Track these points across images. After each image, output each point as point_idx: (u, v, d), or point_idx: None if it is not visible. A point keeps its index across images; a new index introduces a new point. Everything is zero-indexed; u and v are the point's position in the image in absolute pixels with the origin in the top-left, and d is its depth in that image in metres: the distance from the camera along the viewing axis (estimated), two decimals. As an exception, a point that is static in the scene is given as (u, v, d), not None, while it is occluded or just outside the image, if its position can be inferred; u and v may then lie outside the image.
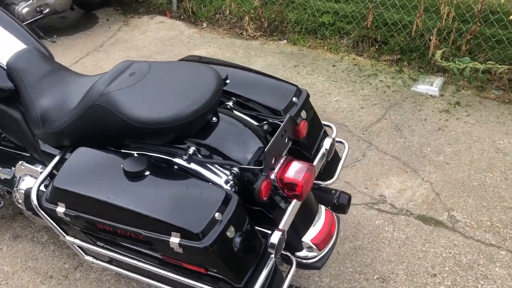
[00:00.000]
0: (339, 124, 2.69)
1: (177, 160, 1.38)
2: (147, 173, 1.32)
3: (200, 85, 1.41)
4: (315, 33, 3.73)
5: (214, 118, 1.45)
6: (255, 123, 1.55)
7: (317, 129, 1.67)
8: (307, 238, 1.50)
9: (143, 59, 2.20)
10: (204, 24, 4.20)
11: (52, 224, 1.52)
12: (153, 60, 3.08)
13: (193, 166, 1.37)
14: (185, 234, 1.20)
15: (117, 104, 1.36)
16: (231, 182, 1.35)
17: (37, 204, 1.49)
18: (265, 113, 1.57)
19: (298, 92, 1.62)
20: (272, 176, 1.36)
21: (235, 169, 1.36)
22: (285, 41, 3.78)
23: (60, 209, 1.38)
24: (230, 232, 1.23)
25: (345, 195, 1.68)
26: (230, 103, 1.59)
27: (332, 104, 2.91)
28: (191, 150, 1.37)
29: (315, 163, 1.55)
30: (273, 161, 1.35)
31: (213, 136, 1.42)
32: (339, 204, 1.66)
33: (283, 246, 1.31)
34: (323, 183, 1.69)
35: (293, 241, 1.48)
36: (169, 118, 1.32)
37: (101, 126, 1.42)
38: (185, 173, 1.36)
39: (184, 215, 1.23)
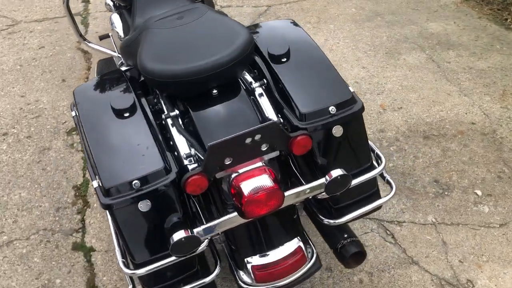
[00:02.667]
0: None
1: (162, 115, 1.41)
2: (127, 114, 1.36)
3: (218, 49, 1.36)
4: None
5: (215, 91, 1.39)
6: (273, 116, 1.39)
7: (356, 158, 1.41)
8: (251, 261, 1.35)
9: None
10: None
11: None
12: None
13: (171, 128, 1.38)
14: (98, 183, 1.24)
15: (143, 43, 1.46)
16: (190, 163, 1.31)
17: None
18: (288, 111, 1.40)
19: (348, 101, 1.36)
20: (234, 176, 1.24)
21: (193, 152, 1.32)
22: None
23: None
24: (144, 206, 1.21)
25: (354, 246, 1.42)
26: (257, 85, 1.45)
27: None
28: (173, 113, 1.39)
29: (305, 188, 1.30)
30: (228, 161, 1.21)
31: (201, 109, 1.38)
32: (340, 253, 1.43)
33: (186, 251, 1.22)
34: (326, 221, 1.42)
35: (235, 255, 1.39)
36: (163, 73, 1.34)
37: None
38: (157, 130, 1.36)
39: (112, 166, 1.25)
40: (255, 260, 1.35)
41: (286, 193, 1.27)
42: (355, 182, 1.38)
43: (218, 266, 1.36)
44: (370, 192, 1.47)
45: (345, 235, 1.46)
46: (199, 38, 1.44)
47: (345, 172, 1.29)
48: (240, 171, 1.26)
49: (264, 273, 1.33)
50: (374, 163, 1.48)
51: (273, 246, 1.36)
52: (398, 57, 3.04)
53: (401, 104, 2.62)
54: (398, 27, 3.37)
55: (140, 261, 1.27)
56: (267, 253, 1.36)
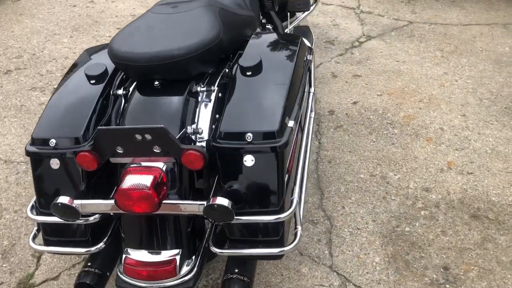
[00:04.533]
0: None
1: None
2: (93, 81, 1.48)
3: (172, 42, 1.38)
4: None
5: (157, 82, 1.41)
6: (205, 125, 1.37)
7: (260, 196, 1.30)
8: (129, 252, 1.35)
9: None
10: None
11: None
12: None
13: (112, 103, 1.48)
14: None
15: (132, 22, 1.57)
16: None
17: None
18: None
19: (270, 134, 1.26)
20: (128, 166, 1.27)
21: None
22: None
23: None
24: (54, 164, 1.33)
25: (238, 285, 1.34)
26: (203, 89, 1.42)
27: None
28: (119, 91, 1.46)
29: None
30: (120, 151, 1.23)
31: (136, 95, 1.41)
32: (223, 285, 1.36)
33: (66, 216, 1.29)
34: (211, 246, 1.35)
35: (122, 241, 1.39)
36: (115, 53, 1.40)
37: None
38: (99, 102, 1.45)
39: (51, 119, 1.40)
40: (131, 253, 1.36)
41: (164, 202, 1.25)
42: (246, 219, 1.28)
43: (102, 243, 1.41)
44: (272, 237, 1.32)
45: (237, 270, 1.36)
46: (168, 29, 1.46)
47: (227, 206, 1.21)
48: (136, 164, 1.28)
49: (130, 268, 1.33)
50: (292, 210, 1.32)
51: (152, 247, 1.35)
52: (513, 116, 2.50)
53: (474, 169, 2.18)
54: (541, 83, 2.75)
55: (42, 211, 1.41)
56: (145, 251, 1.35)
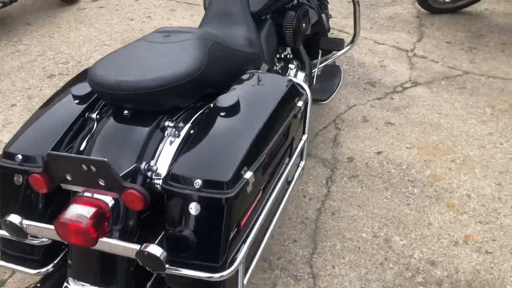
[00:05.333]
0: None
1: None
2: (77, 101, 1.47)
3: (145, 73, 1.31)
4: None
5: (126, 111, 1.35)
6: (165, 161, 1.29)
7: (199, 248, 1.19)
8: (70, 282, 1.30)
9: None
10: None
11: None
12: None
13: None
14: None
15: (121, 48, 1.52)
16: None
17: None
18: None
19: (220, 184, 1.16)
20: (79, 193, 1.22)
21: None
22: None
23: None
24: (17, 180, 1.32)
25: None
26: (170, 125, 1.34)
27: None
28: (92, 114, 1.42)
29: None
30: (68, 177, 1.18)
31: (104, 122, 1.37)
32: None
33: (14, 234, 1.26)
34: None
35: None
36: (90, 77, 1.35)
37: None
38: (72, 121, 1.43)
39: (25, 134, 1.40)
40: (71, 284, 1.30)
41: (101, 240, 1.19)
42: (180, 272, 1.18)
43: (50, 266, 1.37)
44: None
45: None
46: (150, 58, 1.40)
47: (158, 256, 1.12)
48: (86, 194, 1.23)
49: None
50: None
51: (92, 282, 1.28)
52: (558, 194, 2.18)
53: (495, 249, 1.91)
54: None
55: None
56: (85, 285, 1.29)
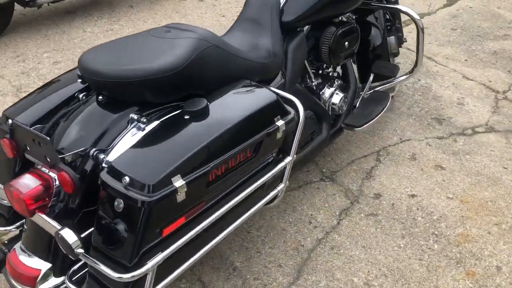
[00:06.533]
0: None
1: None
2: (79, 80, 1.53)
3: (129, 63, 1.34)
4: None
5: (101, 97, 1.38)
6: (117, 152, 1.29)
7: (116, 245, 1.19)
8: (14, 246, 1.39)
9: None
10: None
11: None
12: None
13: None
14: None
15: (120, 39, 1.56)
16: None
17: None
18: None
19: (144, 186, 1.15)
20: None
21: None
22: None
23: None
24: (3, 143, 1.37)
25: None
26: (135, 118, 1.34)
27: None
28: (81, 94, 1.47)
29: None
30: (28, 148, 1.28)
31: (82, 103, 1.42)
32: None
33: None
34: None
35: None
36: (81, 67, 1.38)
37: None
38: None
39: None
40: (15, 246, 1.40)
41: (38, 214, 1.24)
42: (91, 261, 1.19)
43: (15, 225, 1.49)
44: None
45: None
46: (140, 50, 1.41)
47: (67, 241, 1.15)
48: (43, 169, 1.30)
49: (7, 259, 1.37)
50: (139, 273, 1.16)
51: (30, 250, 1.36)
52: None
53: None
54: None
55: None
56: (24, 250, 1.37)
